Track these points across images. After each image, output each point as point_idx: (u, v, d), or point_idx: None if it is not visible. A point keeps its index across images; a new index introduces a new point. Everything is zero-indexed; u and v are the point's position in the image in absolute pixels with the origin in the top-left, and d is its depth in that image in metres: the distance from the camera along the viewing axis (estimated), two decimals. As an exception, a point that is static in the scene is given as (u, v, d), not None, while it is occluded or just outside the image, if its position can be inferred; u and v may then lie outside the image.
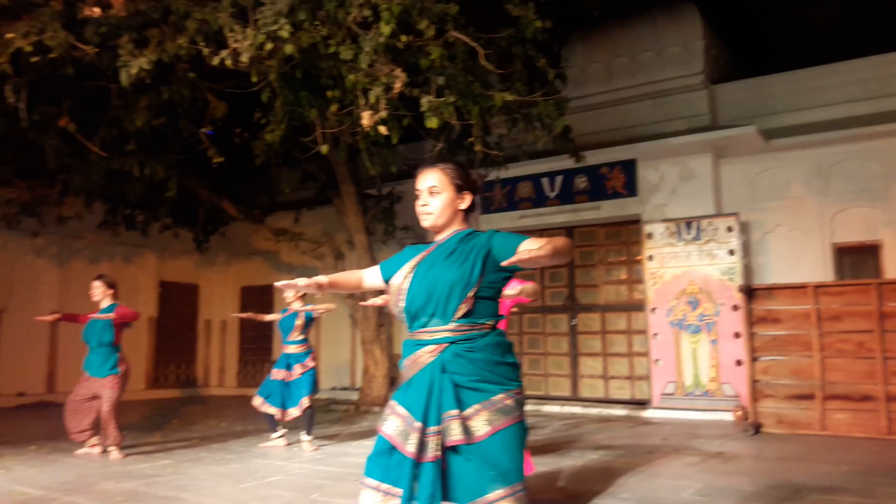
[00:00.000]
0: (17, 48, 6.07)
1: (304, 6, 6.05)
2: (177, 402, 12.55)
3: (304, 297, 7.10)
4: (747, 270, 9.50)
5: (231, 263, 14.78)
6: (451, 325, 2.31)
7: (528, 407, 2.58)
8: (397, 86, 6.27)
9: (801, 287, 7.91)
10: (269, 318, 7.88)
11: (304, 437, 6.85)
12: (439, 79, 6.79)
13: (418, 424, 2.23)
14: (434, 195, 2.46)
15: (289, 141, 8.36)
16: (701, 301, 9.33)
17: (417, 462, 2.20)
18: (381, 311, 10.26)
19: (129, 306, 6.78)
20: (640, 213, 10.31)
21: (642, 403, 9.81)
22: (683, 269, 9.53)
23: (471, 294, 2.31)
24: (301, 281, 2.50)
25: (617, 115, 10.96)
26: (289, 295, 6.97)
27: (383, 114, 6.36)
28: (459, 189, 2.48)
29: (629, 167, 10.44)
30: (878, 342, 7.36)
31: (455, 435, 2.19)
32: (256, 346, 14.31)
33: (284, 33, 5.85)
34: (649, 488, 4.92)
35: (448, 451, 2.22)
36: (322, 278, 2.56)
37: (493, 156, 8.31)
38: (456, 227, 2.49)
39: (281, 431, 7.03)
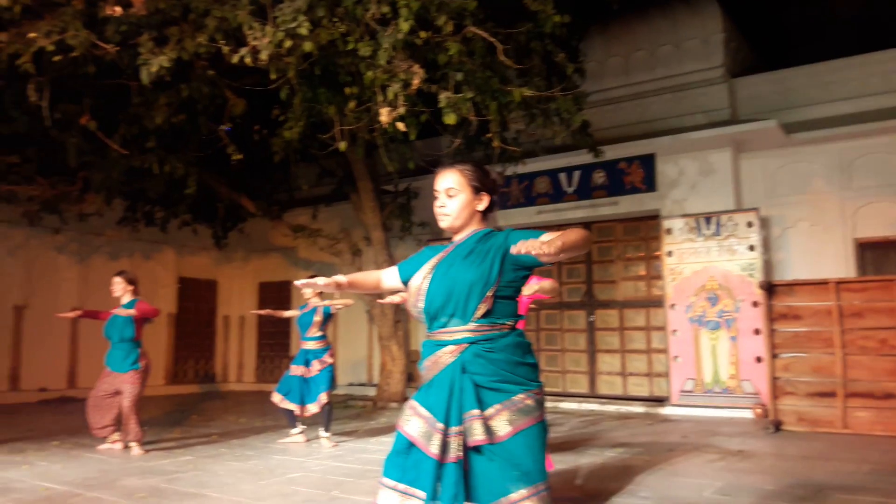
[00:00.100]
0: (40, 47, 6.13)
1: (323, 3, 6.05)
2: (196, 397, 12.66)
3: (322, 294, 7.12)
4: (767, 266, 9.41)
5: (249, 259, 14.87)
6: (471, 326, 2.31)
7: (546, 404, 2.57)
8: (415, 82, 6.27)
9: (823, 283, 7.82)
10: (287, 314, 7.91)
11: (322, 433, 6.88)
12: (457, 74, 6.78)
13: (440, 425, 2.23)
14: (451, 197, 2.46)
15: (307, 138, 8.39)
16: (720, 297, 9.26)
17: (440, 463, 2.20)
18: (399, 308, 10.27)
19: (148, 302, 6.83)
20: (658, 208, 10.24)
21: (660, 400, 9.77)
22: (703, 264, 9.46)
23: (490, 294, 2.31)
24: (320, 280, 2.51)
25: (635, 109, 10.89)
26: (307, 292, 7.00)
27: (401, 110, 6.36)
28: (477, 191, 2.47)
29: (648, 162, 10.37)
30: (902, 339, 7.27)
31: (477, 435, 2.19)
32: (274, 341, 14.39)
33: (303, 30, 5.85)
34: (669, 487, 4.90)
35: (470, 451, 2.23)
36: (341, 278, 2.57)
37: (511, 151, 8.28)
38: (474, 227, 2.49)
39: (300, 428, 7.06)
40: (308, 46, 6.13)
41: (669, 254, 9.77)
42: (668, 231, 9.81)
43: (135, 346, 6.55)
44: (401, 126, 6.49)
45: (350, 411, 10.04)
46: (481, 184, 2.48)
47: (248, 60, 6.11)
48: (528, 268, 2.37)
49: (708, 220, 9.52)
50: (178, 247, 13.69)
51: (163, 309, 11.71)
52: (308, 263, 13.35)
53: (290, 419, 7.04)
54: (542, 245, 2.05)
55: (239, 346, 14.85)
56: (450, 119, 6.66)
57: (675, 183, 10.17)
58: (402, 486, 2.26)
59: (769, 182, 9.87)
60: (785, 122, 9.49)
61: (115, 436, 6.59)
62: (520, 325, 2.47)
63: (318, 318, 7.07)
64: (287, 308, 10.21)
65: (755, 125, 9.44)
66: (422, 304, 2.42)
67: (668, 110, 10.63)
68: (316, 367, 6.96)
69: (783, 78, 10.22)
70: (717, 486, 4.85)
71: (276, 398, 6.96)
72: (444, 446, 2.21)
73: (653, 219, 10.39)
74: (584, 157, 9.61)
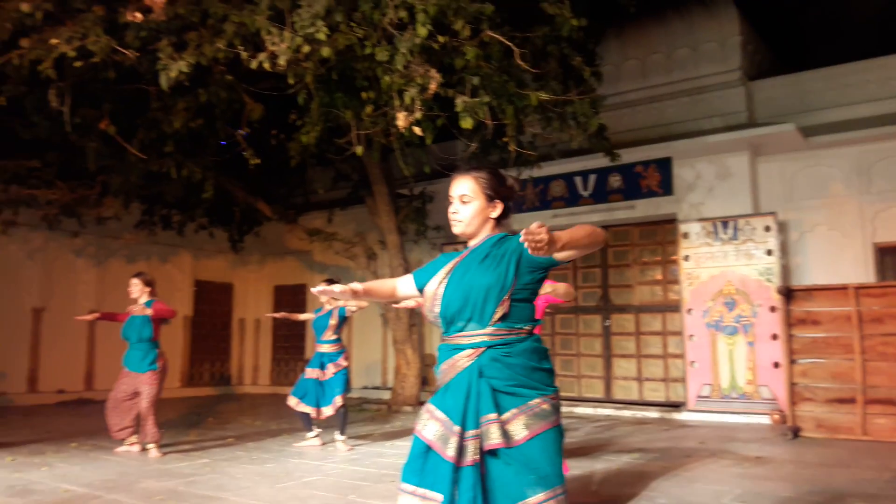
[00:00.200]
0: (61, 53, 6.19)
1: (341, 8, 6.07)
2: (211, 399, 12.72)
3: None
4: (785, 271, 9.34)
5: (265, 263, 14.95)
6: (489, 330, 2.32)
7: (561, 409, 2.55)
8: (432, 86, 6.27)
9: (842, 288, 7.75)
10: (302, 317, 7.95)
11: (338, 436, 6.90)
12: (474, 79, 6.78)
13: (457, 428, 2.24)
14: (465, 203, 2.47)
15: (323, 142, 8.42)
16: (738, 302, 9.19)
17: (457, 466, 2.21)
18: (413, 312, 10.27)
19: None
20: (675, 212, 10.18)
21: (677, 406, 9.70)
22: (720, 269, 9.40)
23: (507, 297, 2.31)
24: (336, 288, 2.52)
25: (652, 112, 10.84)
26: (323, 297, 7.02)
27: (418, 115, 6.37)
28: (491, 198, 2.47)
29: (664, 165, 10.32)
30: (923, 345, 7.19)
31: (494, 439, 2.20)
32: (289, 344, 14.44)
33: (321, 35, 5.87)
34: (687, 493, 4.87)
35: (487, 455, 2.23)
36: (357, 285, 2.58)
37: (527, 155, 8.27)
38: (487, 233, 2.49)
39: (316, 431, 7.08)
40: (326, 51, 6.15)
41: (686, 258, 9.71)
42: (685, 235, 9.76)
43: (153, 347, 6.59)
44: (417, 130, 6.49)
45: (364, 414, 10.06)
46: (495, 191, 2.48)
47: (266, 65, 6.14)
48: (544, 269, 2.38)
49: (725, 224, 9.46)
50: (195, 250, 13.79)
51: (179, 311, 11.78)
52: (323, 267, 13.40)
53: (306, 422, 7.06)
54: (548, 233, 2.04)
55: (254, 349, 14.92)
56: (466, 123, 6.66)
57: (691, 187, 10.11)
58: (420, 491, 2.27)
59: (787, 186, 9.80)
60: (803, 126, 9.42)
61: (133, 438, 6.64)
62: (536, 331, 2.47)
63: (333, 321, 7.09)
64: (302, 311, 10.24)
65: (773, 128, 9.37)
66: (438, 309, 2.43)
67: (685, 113, 10.58)
68: (331, 370, 6.98)
69: (801, 81, 10.15)
70: (735, 493, 4.82)
71: (293, 402, 6.98)
72: (461, 450, 2.21)
73: (669, 223, 10.34)
74: (599, 161, 9.58)
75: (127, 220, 11.72)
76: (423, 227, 11.50)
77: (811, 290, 7.98)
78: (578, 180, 11.02)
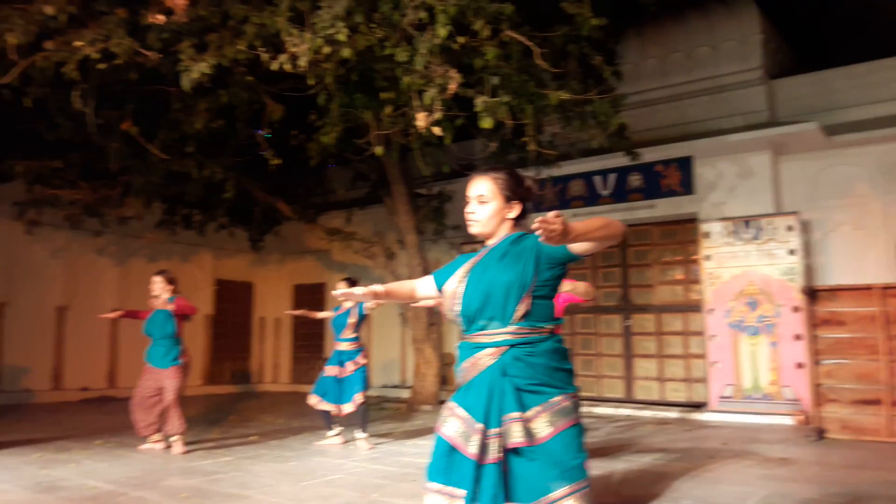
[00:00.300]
0: (85, 55, 6.26)
1: (361, 9, 6.09)
2: (232, 397, 12.82)
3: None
4: (808, 271, 9.24)
5: (284, 262, 15.03)
6: (512, 328, 2.33)
7: (581, 409, 2.55)
8: (452, 87, 6.28)
9: (867, 288, 7.66)
10: (321, 315, 7.98)
11: (359, 434, 6.92)
12: (494, 78, 6.77)
13: (479, 426, 2.25)
14: (482, 204, 2.48)
15: (342, 142, 8.45)
16: (760, 302, 9.11)
17: (479, 464, 2.23)
18: (432, 311, 10.28)
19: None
20: (696, 211, 10.11)
21: (698, 406, 9.63)
22: (742, 269, 9.32)
23: (528, 294, 2.32)
24: (358, 290, 2.53)
25: (672, 111, 10.77)
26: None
27: (438, 115, 6.37)
28: (508, 199, 2.48)
29: (685, 164, 10.25)
30: (950, 346, 7.09)
31: (517, 437, 2.22)
32: (309, 343, 14.51)
33: (341, 36, 5.90)
34: (711, 494, 4.83)
35: (509, 452, 2.25)
36: (378, 287, 2.60)
37: (546, 155, 8.25)
38: (505, 233, 2.50)
39: (337, 429, 7.11)
40: (346, 52, 6.18)
41: (708, 258, 9.64)
42: (707, 235, 9.69)
43: (176, 343, 6.65)
44: (437, 131, 6.50)
45: (384, 412, 10.08)
46: (513, 192, 2.49)
47: (286, 66, 6.18)
48: (563, 264, 2.37)
49: (747, 223, 9.38)
50: (215, 249, 13.90)
51: (200, 310, 11.89)
52: (342, 266, 13.44)
53: (327, 420, 7.09)
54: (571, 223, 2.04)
55: (274, 347, 15.02)
56: (486, 123, 6.66)
57: (713, 186, 10.03)
58: (447, 489, 2.28)
59: (810, 185, 9.69)
60: (826, 124, 9.31)
61: (157, 435, 6.70)
62: (557, 331, 2.48)
63: (352, 319, 7.11)
64: (321, 310, 10.27)
65: (795, 127, 9.28)
66: (458, 308, 2.44)
67: (706, 112, 10.50)
68: (350, 367, 6.99)
69: (823, 79, 10.03)
70: (761, 495, 4.77)
71: (314, 400, 7.01)
72: (483, 447, 2.23)
73: (690, 222, 10.26)
74: (619, 160, 9.54)
75: (148, 220, 11.84)
76: (442, 227, 11.50)
77: (835, 291, 7.89)
78: (598, 179, 10.98)
